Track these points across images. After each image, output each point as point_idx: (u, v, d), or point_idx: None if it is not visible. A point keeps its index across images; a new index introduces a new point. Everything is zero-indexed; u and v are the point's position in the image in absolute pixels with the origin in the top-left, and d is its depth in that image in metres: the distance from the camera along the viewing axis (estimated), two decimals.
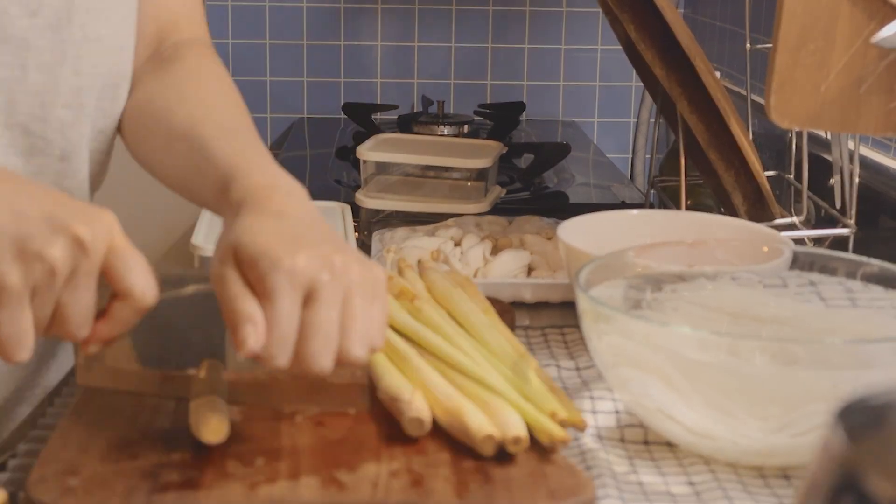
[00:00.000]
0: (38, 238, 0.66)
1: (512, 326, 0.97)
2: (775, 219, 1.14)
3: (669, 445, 0.80)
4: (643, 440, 0.80)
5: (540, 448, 0.74)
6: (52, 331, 0.69)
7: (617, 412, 0.83)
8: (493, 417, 0.74)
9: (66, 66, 0.88)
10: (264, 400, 0.79)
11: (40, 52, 0.86)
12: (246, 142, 0.85)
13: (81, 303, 0.68)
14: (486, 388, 0.78)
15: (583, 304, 0.79)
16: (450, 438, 0.75)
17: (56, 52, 0.87)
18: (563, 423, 0.75)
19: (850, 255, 0.89)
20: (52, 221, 0.66)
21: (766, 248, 0.93)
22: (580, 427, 0.76)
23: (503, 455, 0.73)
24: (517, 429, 0.73)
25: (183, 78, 0.94)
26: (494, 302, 0.98)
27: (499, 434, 0.73)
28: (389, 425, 0.77)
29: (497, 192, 1.45)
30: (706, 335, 0.76)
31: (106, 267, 0.68)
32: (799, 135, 1.25)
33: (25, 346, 0.67)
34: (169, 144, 0.89)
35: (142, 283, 0.69)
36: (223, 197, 0.79)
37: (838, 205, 1.20)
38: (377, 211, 1.43)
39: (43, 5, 0.85)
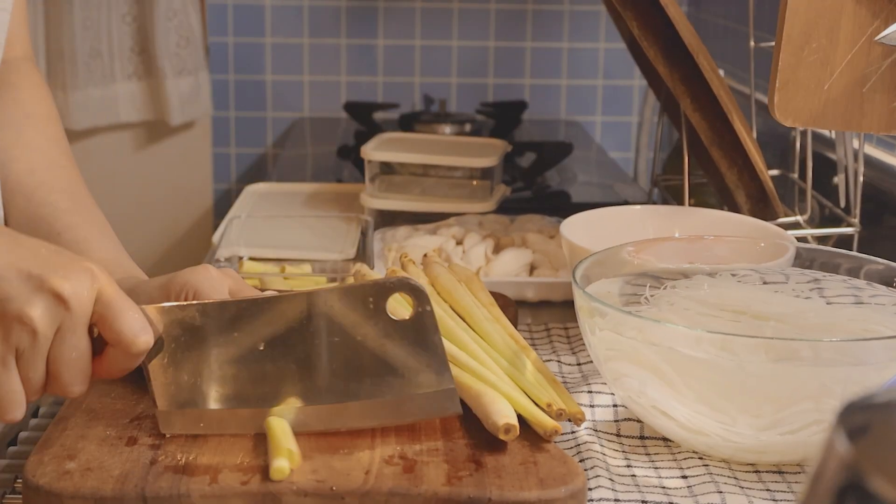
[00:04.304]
0: (16, 300, 0.65)
1: (515, 321, 0.97)
2: (779, 217, 1.14)
3: (665, 440, 0.80)
4: (639, 434, 0.81)
5: (533, 437, 0.74)
6: (47, 389, 0.69)
7: (615, 406, 0.83)
8: (486, 407, 0.75)
9: None
10: (349, 423, 0.75)
11: None
12: (89, 216, 0.91)
13: (71, 358, 0.68)
14: (479, 379, 0.78)
15: (578, 299, 0.80)
16: (443, 426, 0.76)
17: None
18: (561, 415, 0.75)
19: (853, 253, 0.89)
20: (30, 280, 0.66)
21: (769, 246, 0.93)
22: (578, 419, 0.76)
23: (496, 443, 0.73)
24: (508, 418, 0.73)
25: (21, 116, 0.94)
26: (498, 296, 0.99)
27: (490, 423, 0.73)
28: None
29: (502, 190, 1.45)
30: (698, 331, 0.75)
31: (95, 317, 0.69)
32: (803, 133, 1.25)
33: (17, 406, 0.68)
34: (9, 191, 0.90)
35: (132, 329, 0.69)
36: None
37: (842, 203, 1.20)
38: (380, 210, 1.42)
39: None
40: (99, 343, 0.70)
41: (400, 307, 0.74)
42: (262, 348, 0.74)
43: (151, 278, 0.84)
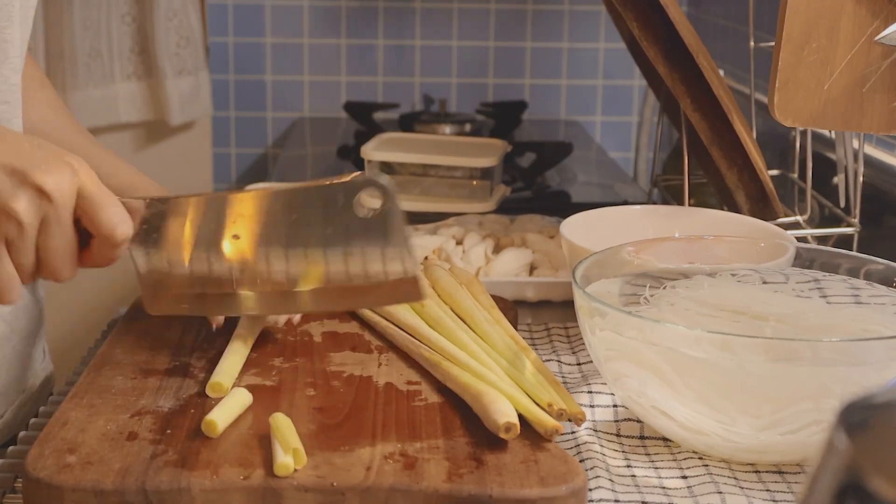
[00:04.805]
0: (1, 194, 0.70)
1: (515, 323, 0.97)
2: (779, 217, 1.14)
3: (665, 441, 0.80)
4: (639, 434, 0.81)
5: (534, 436, 0.74)
6: (38, 274, 0.74)
7: (614, 406, 0.83)
8: (487, 407, 0.75)
9: (7, 65, 0.89)
10: (322, 304, 0.82)
11: None
12: (103, 148, 1.01)
13: (57, 246, 0.72)
14: (480, 378, 0.79)
15: (578, 299, 0.80)
16: (444, 424, 0.76)
17: None
18: (562, 415, 0.75)
19: (853, 253, 0.89)
20: (14, 175, 0.70)
21: (769, 246, 0.93)
22: (578, 419, 0.76)
23: (497, 441, 0.73)
24: (508, 416, 0.73)
25: (24, 78, 0.99)
26: (498, 299, 0.99)
27: (491, 422, 0.74)
28: (386, 411, 0.78)
29: (503, 191, 1.45)
30: (697, 331, 0.76)
31: (78, 210, 0.73)
32: (803, 133, 1.25)
33: (12, 289, 0.72)
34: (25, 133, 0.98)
35: (111, 221, 0.74)
36: None
37: (842, 203, 1.20)
38: None
39: None
40: (85, 235, 0.75)
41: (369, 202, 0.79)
42: (237, 237, 0.80)
43: None
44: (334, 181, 0.78)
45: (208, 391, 0.79)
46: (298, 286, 0.81)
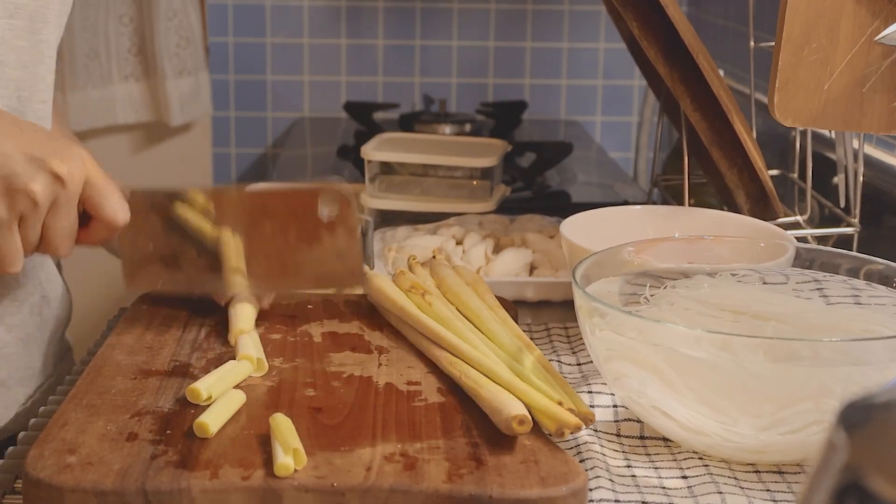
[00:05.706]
0: (21, 175, 0.79)
1: (515, 322, 0.97)
2: (779, 217, 1.14)
3: (665, 441, 0.80)
4: (639, 435, 0.81)
5: (534, 436, 0.74)
6: (39, 249, 0.83)
7: (615, 406, 0.83)
8: (497, 403, 0.75)
9: (43, 66, 0.95)
10: (275, 286, 0.95)
11: (20, 52, 0.92)
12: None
13: (62, 226, 0.82)
14: (493, 376, 0.79)
15: (578, 299, 0.80)
16: (445, 424, 0.76)
17: (35, 53, 0.93)
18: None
19: (853, 253, 0.89)
20: (34, 161, 0.79)
21: (769, 246, 0.93)
22: (588, 419, 0.76)
23: (497, 442, 0.73)
24: (520, 410, 0.73)
25: None
26: (499, 299, 0.99)
27: (504, 417, 0.74)
28: (386, 411, 0.78)
29: (503, 190, 1.45)
30: (697, 331, 0.76)
31: (83, 196, 0.83)
32: (803, 133, 1.25)
33: (16, 261, 0.82)
34: None
35: (113, 209, 0.84)
36: None
37: (842, 203, 1.20)
38: (380, 210, 1.42)
39: (19, 8, 0.91)
40: (84, 217, 0.85)
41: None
42: (212, 229, 0.92)
43: None
44: (300, 187, 0.93)
45: (187, 395, 0.78)
46: (263, 271, 0.93)
